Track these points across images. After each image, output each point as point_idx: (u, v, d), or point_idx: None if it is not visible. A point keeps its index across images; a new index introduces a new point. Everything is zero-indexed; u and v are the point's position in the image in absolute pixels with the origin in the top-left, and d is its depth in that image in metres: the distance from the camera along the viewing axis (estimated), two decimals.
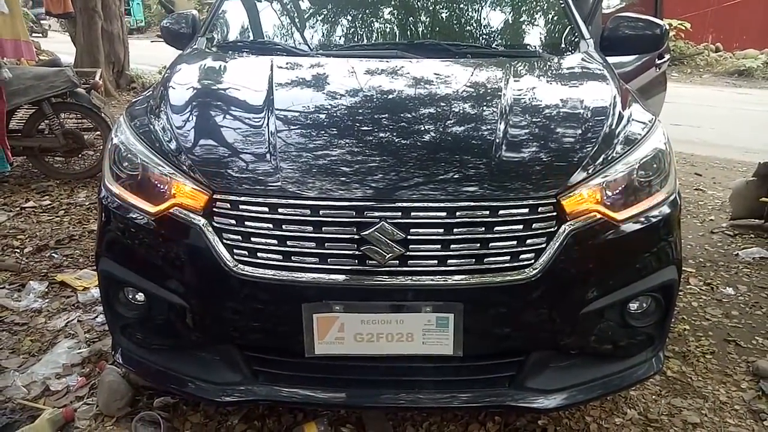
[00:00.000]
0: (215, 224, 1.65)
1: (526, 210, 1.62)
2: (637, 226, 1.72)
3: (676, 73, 12.92)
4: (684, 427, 2.13)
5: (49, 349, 2.52)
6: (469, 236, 1.60)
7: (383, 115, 1.97)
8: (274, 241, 1.62)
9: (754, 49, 13.70)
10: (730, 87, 12.08)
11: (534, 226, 1.62)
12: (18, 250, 3.52)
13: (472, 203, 1.61)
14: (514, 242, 1.61)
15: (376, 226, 1.57)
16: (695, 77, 13.20)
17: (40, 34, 18.81)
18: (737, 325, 2.83)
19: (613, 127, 1.86)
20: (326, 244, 1.60)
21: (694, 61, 14.04)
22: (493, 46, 2.70)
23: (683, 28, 13.56)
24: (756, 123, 8.22)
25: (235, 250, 1.64)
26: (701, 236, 4.04)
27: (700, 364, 2.49)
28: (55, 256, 3.43)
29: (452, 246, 1.60)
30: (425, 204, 1.60)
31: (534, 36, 2.86)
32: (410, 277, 1.61)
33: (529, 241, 1.62)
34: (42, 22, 20.06)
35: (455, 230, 1.60)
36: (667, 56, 4.36)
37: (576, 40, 2.61)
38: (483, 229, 1.60)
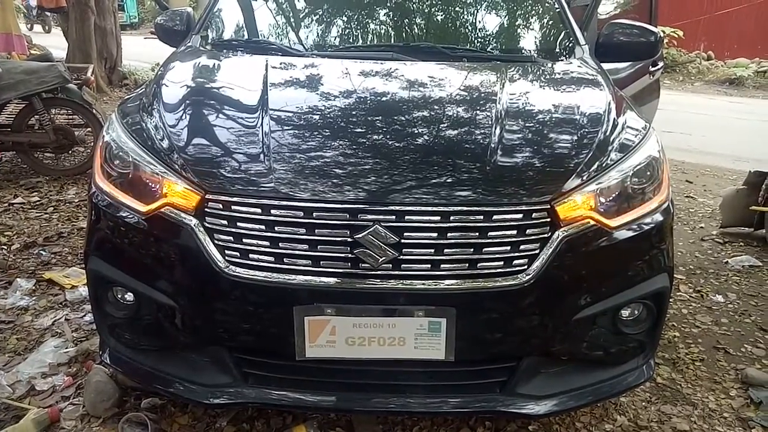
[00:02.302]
0: (207, 225, 1.63)
1: (519, 215, 1.62)
2: (630, 233, 1.72)
3: (669, 80, 12.99)
4: None
5: (35, 347, 2.48)
6: (463, 241, 1.60)
7: (378, 118, 1.96)
8: (266, 243, 1.61)
9: (745, 58, 13.80)
10: (722, 95, 12.16)
11: (527, 231, 1.62)
12: (5, 247, 3.48)
13: (466, 208, 1.60)
14: (508, 247, 1.61)
15: (370, 230, 1.56)
16: (687, 85, 13.28)
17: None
18: (726, 333, 2.84)
19: (608, 133, 1.87)
20: (319, 247, 1.59)
21: (686, 68, 14.12)
22: (489, 50, 2.70)
23: (676, 35, 13.65)
24: (746, 131, 8.29)
25: (226, 251, 1.62)
26: (692, 243, 4.05)
27: (689, 371, 2.50)
28: (43, 253, 3.40)
29: (445, 250, 1.59)
30: (419, 208, 1.59)
31: (530, 41, 2.87)
32: (403, 281, 1.60)
33: (522, 247, 1.62)
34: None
35: (449, 234, 1.59)
36: (660, 64, 4.37)
37: (571, 45, 2.62)
38: (476, 234, 1.60)
